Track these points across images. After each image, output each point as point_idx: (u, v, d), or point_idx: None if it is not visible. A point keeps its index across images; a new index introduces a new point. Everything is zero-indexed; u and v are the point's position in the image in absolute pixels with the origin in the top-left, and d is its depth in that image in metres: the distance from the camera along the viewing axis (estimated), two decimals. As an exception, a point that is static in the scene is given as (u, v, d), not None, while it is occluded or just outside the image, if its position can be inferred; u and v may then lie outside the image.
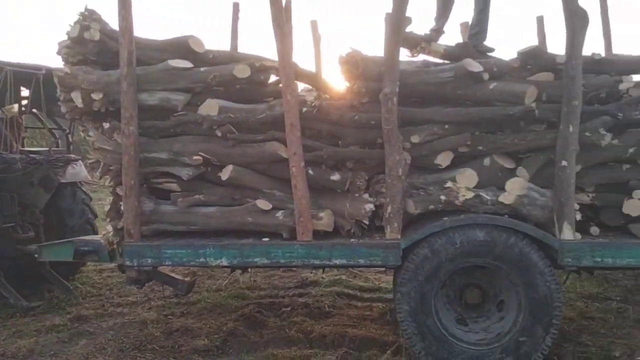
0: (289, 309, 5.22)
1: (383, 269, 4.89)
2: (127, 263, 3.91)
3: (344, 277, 6.32)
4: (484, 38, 4.38)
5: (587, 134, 3.58)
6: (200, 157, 3.90)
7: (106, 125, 3.97)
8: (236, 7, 5.19)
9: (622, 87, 3.77)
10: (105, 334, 4.69)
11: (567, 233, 3.56)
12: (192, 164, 3.94)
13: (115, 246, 4.07)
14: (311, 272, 6.38)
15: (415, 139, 3.72)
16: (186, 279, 5.31)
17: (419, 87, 3.75)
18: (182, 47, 4.07)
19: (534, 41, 4.84)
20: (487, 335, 3.77)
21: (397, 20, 3.58)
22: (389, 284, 5.69)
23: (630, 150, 3.66)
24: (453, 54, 4.20)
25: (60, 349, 4.39)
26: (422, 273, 3.64)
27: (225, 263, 3.84)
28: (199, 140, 3.97)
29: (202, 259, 3.85)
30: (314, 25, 4.73)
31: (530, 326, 3.60)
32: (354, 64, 3.74)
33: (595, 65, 3.65)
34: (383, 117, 3.65)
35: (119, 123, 3.94)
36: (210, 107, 3.93)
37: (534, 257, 3.58)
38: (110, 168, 3.98)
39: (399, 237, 3.67)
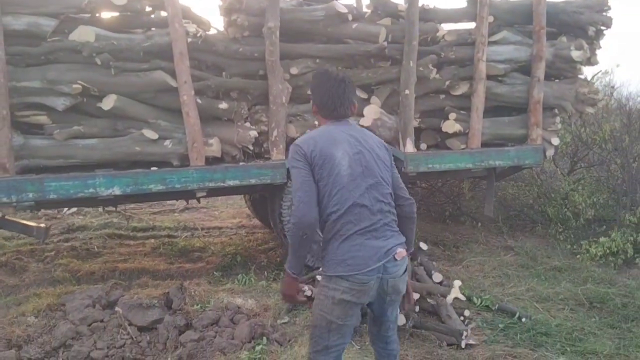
0: (52, 253, 5.16)
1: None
2: (4, 199, 3.63)
3: (115, 220, 6.49)
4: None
5: (420, 68, 4.56)
6: (80, 86, 3.78)
7: (-38, 49, 3.52)
8: None
9: (439, 34, 4.87)
10: None
11: (409, 147, 4.57)
12: (70, 93, 3.79)
13: (-20, 185, 3.70)
14: (80, 217, 6.52)
15: (294, 70, 4.24)
16: (41, 225, 5.00)
17: (295, 23, 4.24)
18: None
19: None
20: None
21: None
22: (162, 222, 6.47)
23: (447, 83, 4.78)
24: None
25: None
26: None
27: (117, 192, 3.86)
28: (76, 68, 3.82)
29: (91, 190, 3.80)
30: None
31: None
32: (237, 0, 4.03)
33: (424, 14, 4.61)
34: (267, 50, 4.07)
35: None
36: (85, 34, 3.80)
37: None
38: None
39: (284, 157, 4.20)
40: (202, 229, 6.25)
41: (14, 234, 5.58)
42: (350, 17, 4.30)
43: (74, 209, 6.67)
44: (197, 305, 3.63)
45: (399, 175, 2.31)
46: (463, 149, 4.79)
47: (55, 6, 3.75)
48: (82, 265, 4.72)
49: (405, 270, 2.16)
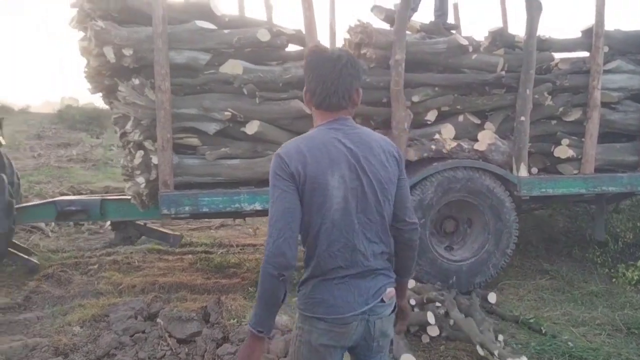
0: (96, 266, 5.33)
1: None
2: (164, 211, 4.15)
3: (111, 241, 6.59)
4: (446, 18, 5.35)
5: (536, 96, 4.74)
6: (230, 113, 4.27)
7: (136, 81, 4.10)
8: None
9: (553, 62, 5.03)
10: None
11: (523, 171, 4.74)
12: (221, 119, 4.28)
13: (144, 197, 4.25)
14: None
15: (415, 98, 4.55)
16: (176, 234, 5.57)
17: (418, 55, 4.56)
18: (203, 10, 4.33)
19: (495, 22, 5.95)
20: (464, 254, 4.82)
21: (406, 0, 4.34)
22: (199, 238, 6.60)
23: (560, 109, 4.92)
24: (426, 30, 5.09)
25: None
26: (421, 207, 4.53)
27: (258, 207, 4.30)
28: (226, 97, 4.32)
29: (237, 205, 4.28)
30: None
31: (494, 243, 4.72)
32: (367, 34, 4.41)
33: (540, 44, 4.80)
34: (393, 80, 4.41)
35: (146, 80, 4.12)
36: (233, 67, 4.29)
37: (498, 191, 4.70)
38: (141, 122, 4.13)
39: (404, 178, 4.49)
40: (237, 245, 6.39)
41: (60, 247, 6.09)
42: (470, 49, 4.56)
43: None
44: (234, 319, 3.76)
45: (409, 192, 1.91)
46: (575, 174, 4.89)
47: (210, 42, 4.26)
48: (124, 278, 4.89)
49: (393, 310, 1.84)
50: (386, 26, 4.90)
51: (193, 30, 4.19)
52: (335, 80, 1.70)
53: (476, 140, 4.74)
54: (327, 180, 1.64)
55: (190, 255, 5.82)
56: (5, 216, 4.47)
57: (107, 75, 4.17)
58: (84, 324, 3.75)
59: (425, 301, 3.89)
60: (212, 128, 4.33)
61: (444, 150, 4.65)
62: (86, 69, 4.33)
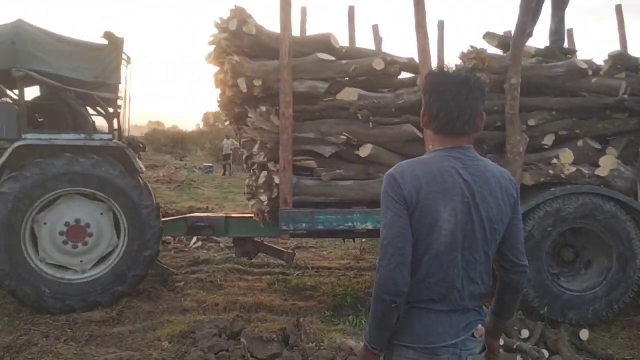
0: (182, 283, 5.50)
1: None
2: (284, 227, 4.48)
3: (234, 255, 6.64)
4: (563, 42, 5.26)
5: (660, 120, 4.49)
6: (345, 137, 4.54)
7: (263, 108, 4.52)
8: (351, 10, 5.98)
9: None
10: None
11: (649, 198, 4.46)
12: (336, 143, 4.57)
13: (266, 214, 4.61)
14: (204, 251, 6.99)
15: (531, 122, 4.52)
16: (289, 251, 5.88)
17: (534, 79, 4.55)
18: (323, 42, 4.70)
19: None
20: (584, 284, 4.60)
21: (522, 26, 4.39)
22: (276, 260, 6.39)
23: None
24: (541, 55, 5.05)
25: None
26: (536, 234, 4.42)
27: (370, 227, 4.49)
28: (342, 122, 4.61)
29: (349, 223, 4.50)
30: (440, 25, 5.54)
31: (619, 273, 4.45)
32: (481, 60, 4.50)
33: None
34: (508, 104, 4.43)
35: (271, 107, 4.53)
36: (349, 94, 4.58)
37: (622, 218, 4.45)
38: (267, 145, 4.53)
39: (518, 204, 4.43)
40: (312, 268, 6.41)
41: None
42: (589, 72, 4.46)
43: (199, 243, 7.31)
44: (312, 343, 3.78)
45: (522, 232, 1.77)
46: None
47: (329, 72, 4.60)
48: (207, 296, 5.02)
49: (483, 349, 1.73)
50: (499, 52, 4.95)
51: (314, 61, 4.56)
52: (461, 105, 1.61)
53: (597, 165, 4.56)
54: (438, 211, 1.57)
55: (268, 276, 5.97)
56: (157, 240, 4.97)
57: (238, 104, 4.64)
58: (172, 339, 3.95)
59: (515, 348, 3.72)
60: (327, 151, 4.62)
61: (562, 175, 4.53)
62: (219, 99, 4.86)
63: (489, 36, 5.07)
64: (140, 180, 4.93)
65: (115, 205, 4.73)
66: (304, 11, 6.56)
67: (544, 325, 4.19)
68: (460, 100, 1.61)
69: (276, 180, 4.52)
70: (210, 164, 21.25)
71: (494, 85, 4.53)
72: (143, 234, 4.76)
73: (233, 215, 5.55)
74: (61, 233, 4.61)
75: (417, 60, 4.70)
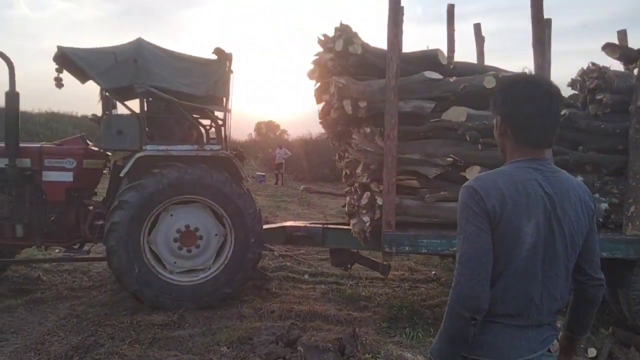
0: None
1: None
2: (386, 249, 4.47)
3: (288, 264, 6.81)
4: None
5: None
6: (451, 159, 4.42)
7: (367, 129, 4.50)
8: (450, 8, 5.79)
9: None
10: (63, 313, 4.76)
11: None
12: (441, 165, 4.46)
13: (367, 234, 4.63)
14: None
15: (658, 147, 4.17)
16: (384, 263, 5.88)
17: (664, 100, 4.17)
18: (430, 59, 4.57)
19: None
20: None
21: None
22: (329, 269, 6.46)
23: None
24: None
25: (20, 326, 4.44)
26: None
27: (475, 252, 4.36)
28: (449, 143, 4.49)
29: (454, 248, 4.38)
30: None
31: None
32: (605, 80, 4.19)
33: None
34: (633, 127, 4.11)
35: (376, 128, 4.49)
36: (458, 114, 4.43)
37: None
38: (370, 167, 4.52)
39: (640, 234, 4.15)
40: (366, 278, 6.34)
41: None
42: None
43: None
44: (369, 354, 3.71)
45: (597, 245, 1.70)
46: None
47: (436, 91, 4.48)
48: (263, 303, 5.09)
49: None
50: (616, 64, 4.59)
51: (421, 81, 4.46)
52: (546, 114, 1.56)
53: None
54: (521, 226, 1.52)
55: (322, 285, 5.97)
56: (260, 244, 5.15)
57: (342, 124, 4.64)
58: (230, 344, 4.03)
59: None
60: (432, 172, 4.53)
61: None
62: (320, 117, 4.89)
63: (609, 47, 4.69)
64: (245, 188, 5.12)
65: (222, 211, 4.94)
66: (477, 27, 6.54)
67: (613, 343, 3.98)
68: (545, 109, 1.56)
69: (379, 201, 4.50)
70: (263, 173, 21.64)
71: (617, 106, 4.22)
72: (247, 238, 4.95)
73: (330, 226, 5.62)
74: (175, 240, 4.90)
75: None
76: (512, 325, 1.58)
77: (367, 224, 4.57)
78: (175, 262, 4.97)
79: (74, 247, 5.23)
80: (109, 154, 5.33)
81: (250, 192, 5.21)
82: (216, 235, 5.05)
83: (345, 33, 4.55)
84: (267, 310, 4.83)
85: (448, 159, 4.42)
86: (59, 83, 4.95)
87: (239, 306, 4.97)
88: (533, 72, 1.72)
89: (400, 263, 7.05)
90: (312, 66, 4.89)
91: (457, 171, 4.55)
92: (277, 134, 39.65)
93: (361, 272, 6.51)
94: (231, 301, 5.12)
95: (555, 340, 1.65)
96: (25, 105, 20.82)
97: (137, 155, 4.76)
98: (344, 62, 4.55)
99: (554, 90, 1.58)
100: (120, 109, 5.34)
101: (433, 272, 6.51)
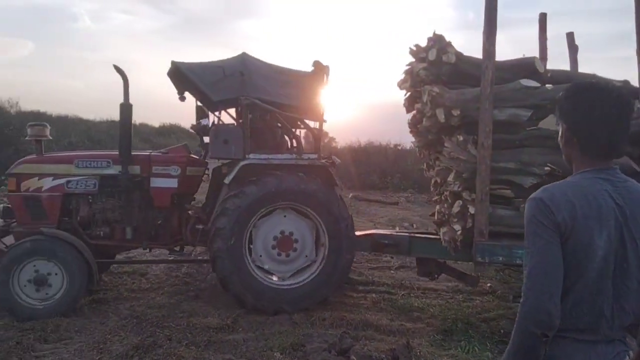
0: None
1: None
2: (479, 259, 4.43)
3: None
4: None
5: None
6: (549, 168, 4.30)
7: (460, 137, 4.50)
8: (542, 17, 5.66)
9: None
10: (123, 314, 4.91)
11: None
12: (538, 174, 4.35)
13: (458, 243, 4.60)
14: None
15: None
16: (472, 274, 5.77)
17: None
18: (527, 67, 4.49)
19: None
20: None
21: None
22: (380, 278, 6.35)
23: None
24: None
25: (83, 325, 4.58)
26: None
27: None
28: (546, 152, 4.37)
29: (551, 261, 4.26)
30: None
31: None
32: None
33: None
34: None
35: (469, 136, 4.47)
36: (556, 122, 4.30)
37: None
38: (463, 175, 4.51)
39: None
40: (418, 288, 6.14)
41: None
42: None
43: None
44: None
45: None
46: None
47: (533, 99, 4.40)
48: (315, 311, 5.06)
49: None
50: None
51: (517, 89, 4.40)
52: (618, 124, 1.52)
53: None
54: (593, 239, 1.48)
55: (373, 295, 5.90)
56: (352, 248, 5.28)
57: (433, 133, 4.67)
58: (283, 350, 4.04)
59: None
60: (528, 182, 4.43)
61: None
62: (410, 126, 4.95)
63: None
64: (339, 195, 5.28)
65: (317, 218, 5.14)
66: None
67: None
68: (615, 118, 1.51)
69: (471, 210, 4.47)
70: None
71: None
72: (341, 244, 5.11)
73: (417, 235, 5.63)
74: (273, 247, 5.14)
75: (636, 84, 4.25)
76: (582, 340, 1.53)
77: (459, 233, 4.55)
78: (273, 267, 5.19)
79: (176, 249, 5.61)
80: (207, 161, 5.71)
81: (343, 200, 5.36)
82: (311, 239, 5.23)
83: (438, 42, 4.61)
84: (319, 317, 4.86)
85: (545, 168, 4.31)
86: (181, 97, 5.46)
87: (291, 312, 5.01)
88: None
89: (453, 274, 6.91)
90: (403, 76, 4.97)
91: (554, 181, 4.39)
92: (326, 141, 39.95)
93: (413, 281, 6.44)
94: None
95: (627, 357, 1.56)
96: (88, 113, 22.14)
97: (241, 163, 5.04)
98: (437, 71, 4.59)
99: (624, 98, 1.53)
100: (213, 119, 5.73)
101: (488, 284, 6.27)
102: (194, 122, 5.67)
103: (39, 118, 16.60)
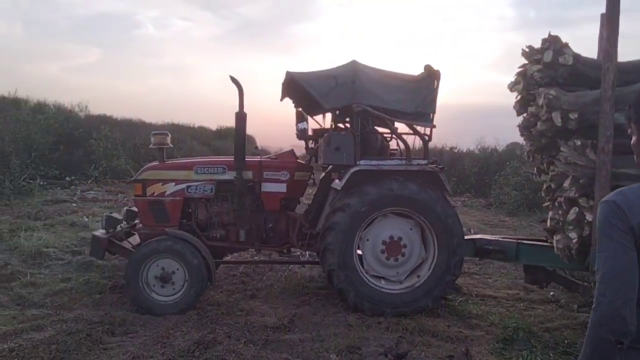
0: None
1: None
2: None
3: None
4: None
5: None
6: (674, 174, 4.09)
7: (577, 142, 4.35)
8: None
9: None
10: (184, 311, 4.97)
11: None
12: (664, 181, 4.15)
13: (573, 251, 4.45)
14: None
15: None
16: (584, 284, 5.51)
17: None
18: (650, 68, 4.30)
19: None
20: None
21: None
22: None
23: None
24: None
25: (148, 320, 4.74)
26: None
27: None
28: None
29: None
30: None
31: None
32: None
33: None
34: None
35: (587, 140, 4.32)
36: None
37: None
38: (580, 181, 4.36)
39: None
40: (477, 295, 5.99)
41: (314, 278, 6.39)
42: None
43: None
44: None
45: None
46: None
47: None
48: (370, 314, 5.03)
49: None
50: None
51: (640, 91, 4.21)
52: None
53: None
54: None
55: None
56: (460, 247, 5.22)
57: (548, 137, 4.54)
58: (339, 352, 4.08)
59: None
60: (653, 189, 4.23)
61: None
62: (522, 130, 4.82)
63: None
64: (453, 206, 5.29)
65: (426, 223, 5.13)
66: None
67: None
68: None
69: (588, 217, 4.31)
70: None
71: None
72: (450, 258, 5.12)
73: (525, 241, 5.47)
74: (382, 251, 5.15)
75: None
76: None
77: (574, 241, 4.40)
78: (379, 270, 5.23)
79: (284, 251, 5.76)
80: (312, 166, 5.82)
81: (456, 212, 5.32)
82: (419, 246, 5.23)
83: (554, 44, 4.48)
84: (374, 320, 4.85)
85: (671, 175, 4.10)
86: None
87: (346, 315, 5.06)
88: None
89: (514, 282, 6.71)
90: (514, 78, 4.85)
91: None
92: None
93: (470, 287, 6.31)
94: (338, 309, 5.21)
95: None
96: (149, 117, 22.66)
97: (353, 169, 5.07)
98: (553, 73, 4.47)
99: None
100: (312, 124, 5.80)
101: (551, 293, 6.05)
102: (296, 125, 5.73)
103: (106, 122, 17.18)
